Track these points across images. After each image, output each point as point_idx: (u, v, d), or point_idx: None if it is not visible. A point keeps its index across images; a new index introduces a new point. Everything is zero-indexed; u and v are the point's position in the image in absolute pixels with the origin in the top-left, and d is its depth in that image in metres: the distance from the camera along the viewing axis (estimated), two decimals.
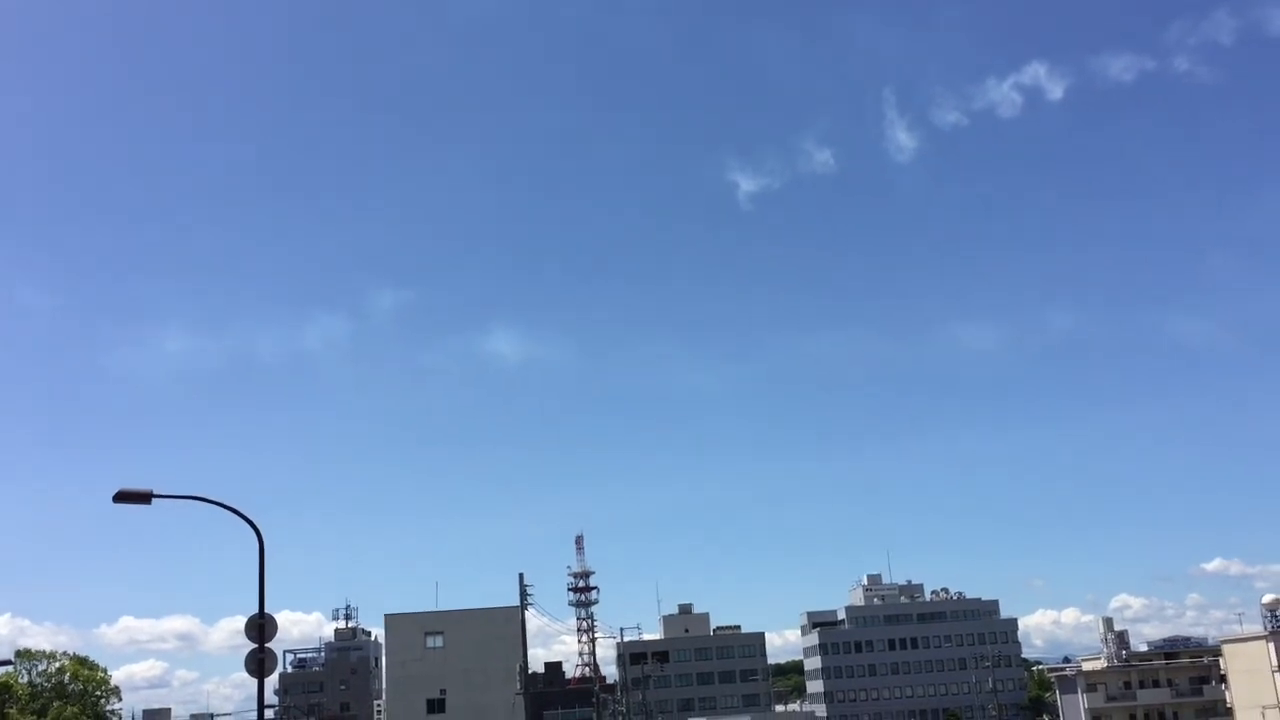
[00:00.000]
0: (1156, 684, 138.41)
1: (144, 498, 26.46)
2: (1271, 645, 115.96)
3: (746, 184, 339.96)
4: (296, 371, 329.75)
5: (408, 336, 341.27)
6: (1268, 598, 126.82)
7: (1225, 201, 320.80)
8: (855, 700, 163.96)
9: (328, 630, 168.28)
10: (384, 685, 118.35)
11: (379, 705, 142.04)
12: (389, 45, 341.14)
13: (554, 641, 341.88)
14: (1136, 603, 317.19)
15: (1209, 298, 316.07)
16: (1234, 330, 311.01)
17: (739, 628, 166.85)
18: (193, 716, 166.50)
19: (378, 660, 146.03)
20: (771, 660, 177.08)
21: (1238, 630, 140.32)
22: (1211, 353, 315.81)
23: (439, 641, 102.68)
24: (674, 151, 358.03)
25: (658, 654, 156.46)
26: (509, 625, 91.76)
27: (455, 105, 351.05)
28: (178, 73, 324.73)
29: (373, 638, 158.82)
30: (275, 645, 27.64)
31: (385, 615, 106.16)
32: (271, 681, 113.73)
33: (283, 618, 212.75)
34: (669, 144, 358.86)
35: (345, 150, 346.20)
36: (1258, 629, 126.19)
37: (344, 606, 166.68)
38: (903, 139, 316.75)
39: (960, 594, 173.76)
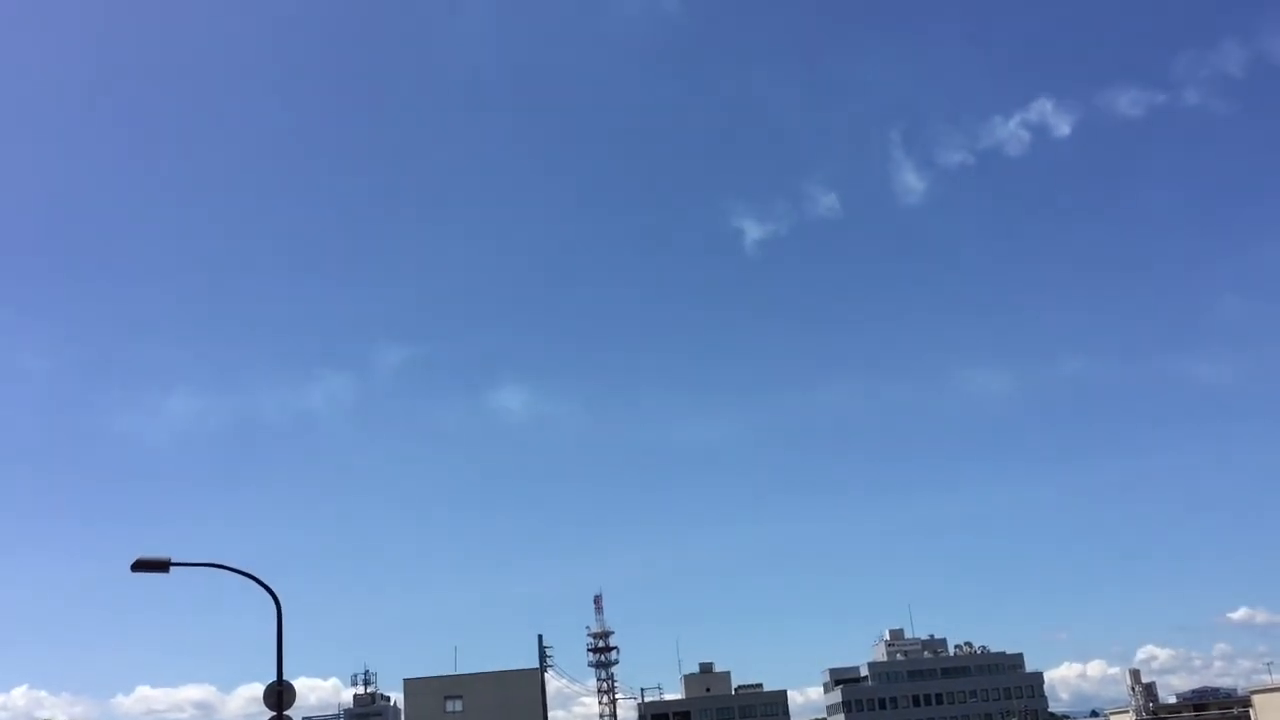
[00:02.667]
0: None
1: (162, 566, 26.66)
2: None
3: (753, 231, 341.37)
4: (304, 432, 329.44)
5: (414, 394, 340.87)
6: None
7: (1238, 240, 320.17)
8: None
9: (346, 696, 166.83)
10: None
11: None
12: (394, 102, 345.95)
13: (574, 703, 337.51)
14: (1163, 654, 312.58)
15: (1226, 341, 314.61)
16: (1251, 374, 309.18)
17: (761, 686, 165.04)
18: None
19: None
20: (795, 718, 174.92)
21: (1267, 680, 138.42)
22: (1229, 398, 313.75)
23: (458, 705, 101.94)
24: (680, 199, 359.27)
25: (679, 714, 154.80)
26: (528, 687, 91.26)
27: (460, 162, 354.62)
28: (178, 130, 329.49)
29: (392, 703, 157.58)
30: (293, 712, 27.62)
31: (404, 680, 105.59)
32: None
33: (300, 684, 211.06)
34: (674, 191, 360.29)
35: (348, 208, 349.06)
36: None
37: (362, 672, 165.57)
38: (910, 180, 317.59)
39: (984, 648, 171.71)
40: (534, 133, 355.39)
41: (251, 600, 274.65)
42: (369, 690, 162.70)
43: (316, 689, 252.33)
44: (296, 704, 27.82)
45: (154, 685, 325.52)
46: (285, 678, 26.79)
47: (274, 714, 26.45)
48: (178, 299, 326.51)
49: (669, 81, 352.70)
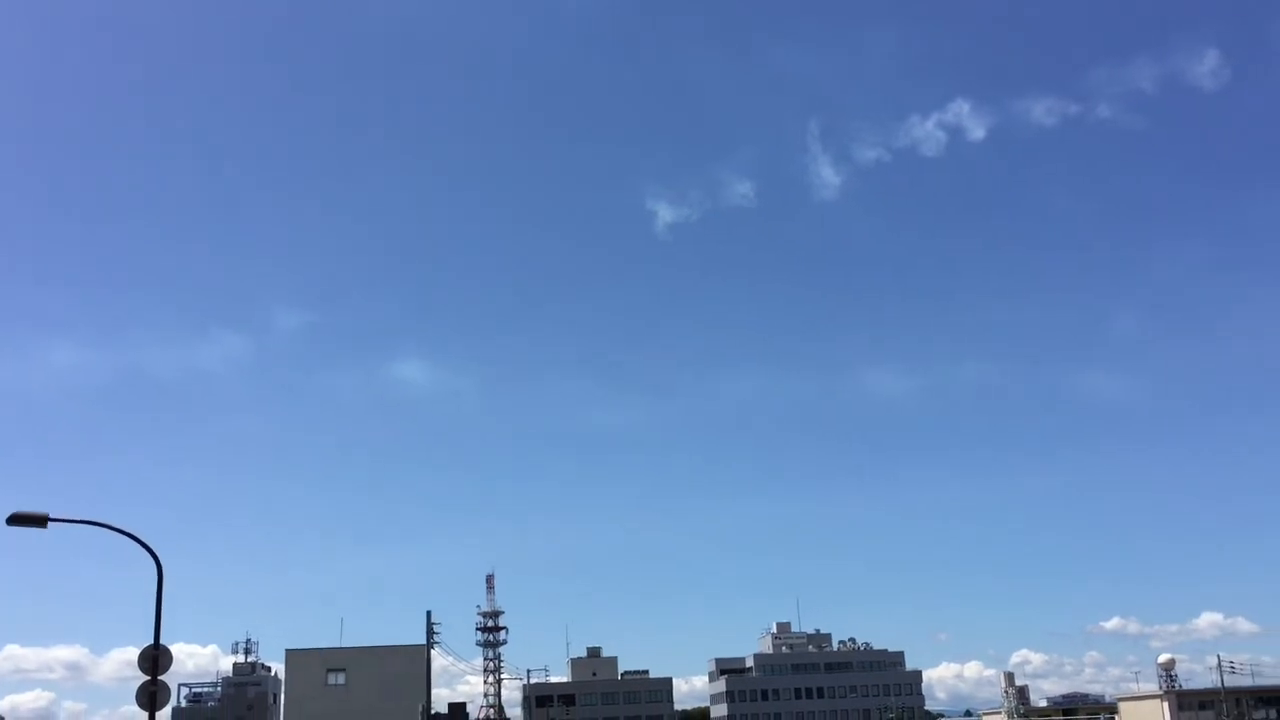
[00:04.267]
0: None
1: (39, 521, 25.69)
2: (1166, 704, 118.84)
3: (666, 214, 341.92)
4: (194, 391, 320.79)
5: (312, 359, 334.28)
6: (1163, 657, 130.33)
7: (1139, 254, 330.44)
8: None
9: (225, 664, 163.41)
10: None
11: None
12: (302, 63, 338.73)
13: (459, 681, 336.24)
14: (1037, 658, 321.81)
15: (1119, 354, 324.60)
16: (1144, 391, 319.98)
17: (647, 672, 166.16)
18: None
19: (276, 697, 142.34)
20: (679, 706, 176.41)
21: (1134, 688, 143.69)
22: (1120, 412, 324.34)
23: (341, 678, 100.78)
24: (594, 177, 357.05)
25: (564, 697, 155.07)
26: (414, 664, 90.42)
27: (371, 129, 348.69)
28: (74, 73, 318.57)
29: (272, 673, 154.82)
30: (169, 678, 26.86)
31: (286, 650, 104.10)
32: (164, 716, 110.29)
33: (177, 650, 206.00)
34: (589, 168, 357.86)
35: (255, 166, 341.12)
36: (1153, 688, 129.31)
37: (243, 640, 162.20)
38: (826, 174, 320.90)
39: (867, 644, 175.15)
40: (446, 103, 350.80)
41: (131, 561, 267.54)
42: (249, 659, 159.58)
43: (195, 655, 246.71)
44: (173, 670, 27.06)
45: (24, 644, 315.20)
46: (162, 642, 26.02)
47: (148, 679, 25.67)
48: (63, 244, 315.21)
49: (590, 56, 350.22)
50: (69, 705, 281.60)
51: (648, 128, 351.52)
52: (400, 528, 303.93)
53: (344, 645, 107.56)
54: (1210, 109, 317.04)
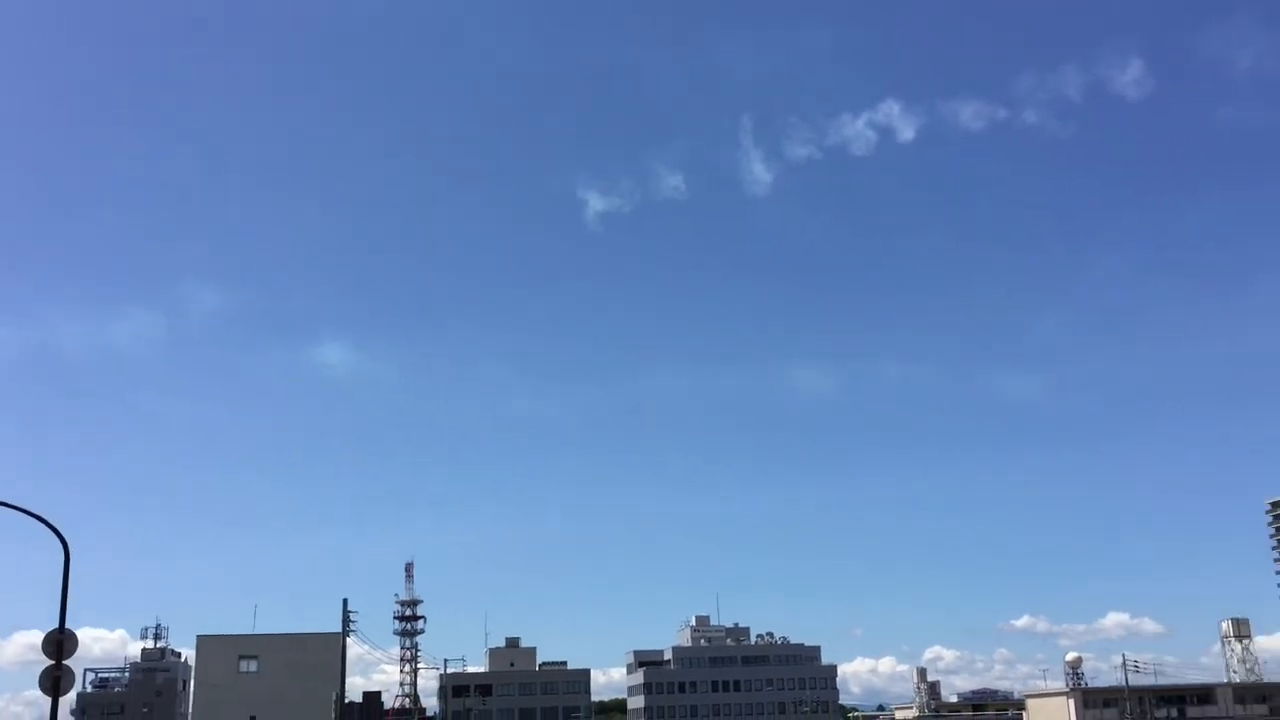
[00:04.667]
0: None
1: None
2: (1071, 701, 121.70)
3: (597, 203, 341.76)
4: (106, 370, 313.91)
5: (231, 339, 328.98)
6: (1070, 656, 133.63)
7: (1062, 259, 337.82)
8: None
9: (134, 649, 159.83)
10: (190, 710, 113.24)
11: None
12: (229, 43, 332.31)
13: (374, 670, 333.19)
14: (949, 655, 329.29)
15: (1040, 356, 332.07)
16: (1059, 391, 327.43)
17: (565, 664, 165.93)
18: None
19: (186, 683, 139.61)
20: (597, 698, 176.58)
21: (1041, 685, 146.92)
22: (1035, 412, 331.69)
23: (253, 665, 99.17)
24: (526, 162, 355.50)
25: (481, 687, 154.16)
26: (328, 652, 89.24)
27: (296, 114, 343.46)
28: None
29: (183, 659, 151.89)
30: (74, 663, 26.10)
31: (197, 636, 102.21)
32: (68, 701, 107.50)
33: (84, 634, 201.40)
34: (521, 153, 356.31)
35: (173, 141, 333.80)
36: (1060, 685, 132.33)
37: (153, 625, 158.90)
38: (758, 169, 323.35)
39: (785, 639, 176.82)
40: (380, 80, 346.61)
41: (37, 543, 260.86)
42: (159, 645, 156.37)
43: (102, 640, 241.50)
44: (78, 654, 26.29)
45: None
46: (68, 626, 25.23)
47: (52, 663, 24.89)
48: None
49: (524, 40, 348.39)
50: None
51: (581, 115, 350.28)
52: (319, 514, 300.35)
53: (257, 632, 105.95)
54: (1134, 118, 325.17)
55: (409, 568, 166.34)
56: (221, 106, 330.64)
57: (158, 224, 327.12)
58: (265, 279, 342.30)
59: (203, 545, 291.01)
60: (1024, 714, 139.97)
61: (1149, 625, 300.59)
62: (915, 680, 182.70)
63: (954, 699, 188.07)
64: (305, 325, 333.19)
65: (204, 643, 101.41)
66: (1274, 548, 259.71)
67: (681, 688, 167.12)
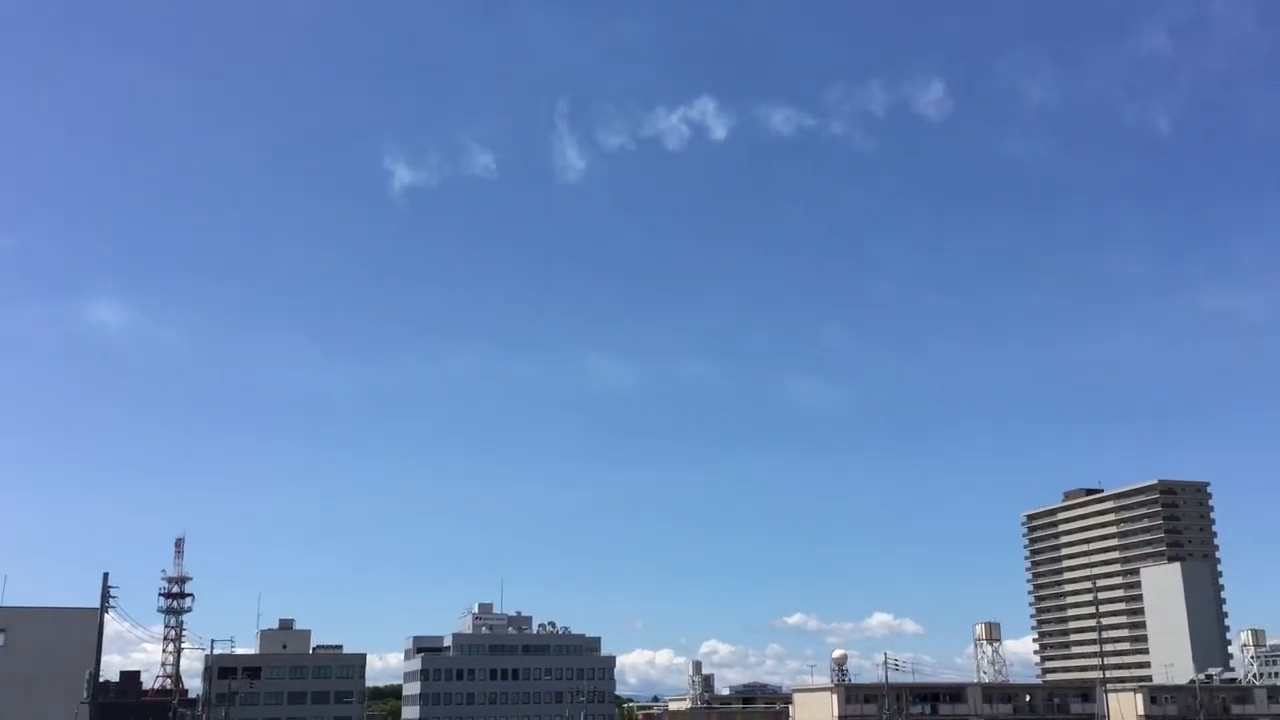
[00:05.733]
0: None
1: None
2: (835, 696, 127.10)
3: (404, 175, 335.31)
4: None
5: None
6: (836, 653, 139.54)
7: (855, 269, 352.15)
8: None
9: None
10: None
11: None
12: None
13: (135, 649, 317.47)
14: (724, 649, 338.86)
15: (828, 363, 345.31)
16: (844, 398, 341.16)
17: (341, 647, 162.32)
18: None
19: None
20: (373, 684, 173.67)
21: (808, 681, 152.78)
22: (820, 417, 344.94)
23: None
24: (332, 126, 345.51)
25: (249, 669, 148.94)
26: (83, 628, 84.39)
27: (95, 44, 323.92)
28: None
29: None
30: None
31: None
32: None
33: None
34: (328, 116, 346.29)
35: None
36: (826, 681, 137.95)
37: None
38: (571, 155, 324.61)
39: (566, 629, 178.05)
40: (185, 38, 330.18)
41: None
42: None
43: None
44: None
45: None
46: None
47: None
48: None
49: (336, 2, 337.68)
50: None
51: (390, 82, 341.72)
52: (80, 481, 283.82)
53: (4, 605, 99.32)
54: (933, 137, 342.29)
55: (179, 543, 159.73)
56: (12, 41, 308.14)
57: None
58: (34, 223, 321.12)
59: None
60: (790, 708, 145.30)
61: (910, 626, 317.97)
62: (690, 673, 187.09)
63: (726, 692, 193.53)
64: (77, 278, 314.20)
65: None
66: (1026, 558, 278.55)
67: (459, 674, 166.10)
